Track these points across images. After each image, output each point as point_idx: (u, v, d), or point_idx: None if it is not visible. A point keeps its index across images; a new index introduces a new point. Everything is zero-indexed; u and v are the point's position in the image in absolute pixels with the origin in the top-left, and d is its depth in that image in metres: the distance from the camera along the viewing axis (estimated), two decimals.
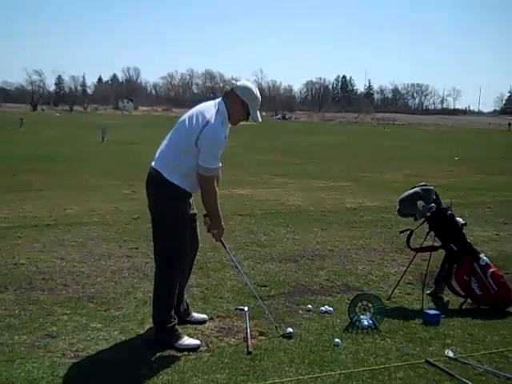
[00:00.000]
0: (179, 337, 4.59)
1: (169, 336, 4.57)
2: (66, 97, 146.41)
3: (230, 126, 4.70)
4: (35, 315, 5.12)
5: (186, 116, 4.61)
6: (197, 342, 4.61)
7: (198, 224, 4.89)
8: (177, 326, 4.65)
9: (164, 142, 4.68)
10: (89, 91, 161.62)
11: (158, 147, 4.75)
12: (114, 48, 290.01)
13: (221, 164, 4.59)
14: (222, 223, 4.76)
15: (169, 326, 4.59)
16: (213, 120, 4.43)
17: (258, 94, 4.68)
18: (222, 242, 4.89)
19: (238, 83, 4.69)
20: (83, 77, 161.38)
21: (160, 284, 4.65)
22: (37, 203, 11.08)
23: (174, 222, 4.57)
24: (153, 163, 4.65)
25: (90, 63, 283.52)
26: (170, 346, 4.53)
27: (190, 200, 4.73)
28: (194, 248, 4.91)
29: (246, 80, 4.86)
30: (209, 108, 4.56)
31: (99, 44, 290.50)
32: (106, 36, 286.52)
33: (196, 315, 5.13)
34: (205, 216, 4.73)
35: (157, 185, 4.59)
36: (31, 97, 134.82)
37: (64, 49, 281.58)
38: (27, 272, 6.42)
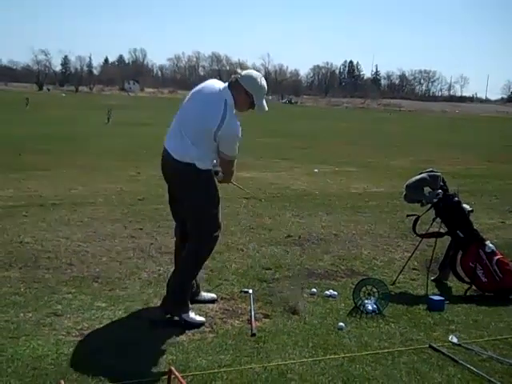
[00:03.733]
0: (189, 309, 4.68)
1: (181, 306, 4.65)
2: (71, 77, 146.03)
3: None
4: (40, 293, 5.14)
5: (195, 104, 4.61)
6: (202, 319, 4.69)
7: None
8: (189, 301, 4.75)
9: (178, 132, 4.63)
10: (95, 72, 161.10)
11: (167, 130, 4.76)
12: (121, 29, 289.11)
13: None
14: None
15: (186, 297, 4.70)
16: (227, 116, 4.45)
17: (264, 83, 4.64)
18: (233, 183, 5.06)
19: (243, 73, 4.62)
20: (89, 57, 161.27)
21: (195, 257, 4.74)
22: (42, 183, 11.08)
23: (213, 204, 4.71)
24: (175, 156, 4.58)
25: (96, 44, 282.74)
26: (178, 316, 4.63)
27: None
28: None
29: (251, 69, 4.81)
30: (217, 99, 4.51)
31: (106, 24, 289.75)
32: (113, 17, 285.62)
33: (205, 294, 5.17)
34: (216, 173, 4.74)
35: (191, 176, 4.59)
36: (37, 77, 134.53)
37: (71, 29, 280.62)
38: (32, 251, 6.44)
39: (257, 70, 4.90)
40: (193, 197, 4.64)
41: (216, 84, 4.68)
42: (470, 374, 3.99)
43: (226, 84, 4.63)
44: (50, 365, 3.85)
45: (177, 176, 4.66)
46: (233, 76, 4.65)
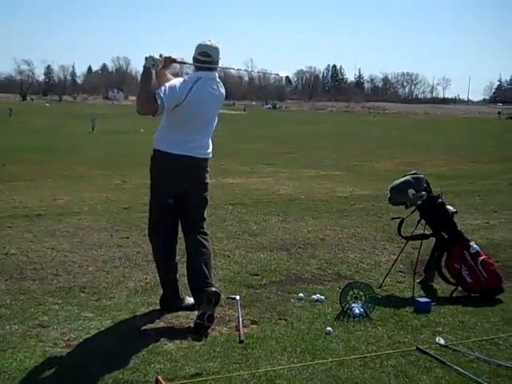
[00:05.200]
0: None
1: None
2: (55, 87, 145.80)
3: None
4: (26, 305, 5.10)
5: (213, 110, 5.02)
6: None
7: None
8: None
9: (198, 133, 4.92)
10: (78, 81, 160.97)
11: (170, 138, 4.88)
12: (104, 37, 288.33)
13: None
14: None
15: None
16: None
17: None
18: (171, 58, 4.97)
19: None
20: (73, 66, 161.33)
21: (210, 252, 5.02)
22: (27, 193, 11.02)
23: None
24: (200, 155, 4.92)
25: (79, 53, 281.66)
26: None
27: None
28: None
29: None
30: (219, 87, 5.00)
31: (89, 33, 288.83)
32: (96, 25, 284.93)
33: (189, 299, 5.14)
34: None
35: (207, 167, 5.04)
36: (20, 87, 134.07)
37: (53, 38, 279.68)
38: (18, 262, 6.39)
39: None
40: (207, 186, 5.06)
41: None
42: (458, 375, 4.00)
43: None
44: (37, 377, 3.82)
45: (201, 174, 4.99)
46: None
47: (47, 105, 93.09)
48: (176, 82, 4.78)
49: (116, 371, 3.90)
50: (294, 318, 4.99)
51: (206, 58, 4.86)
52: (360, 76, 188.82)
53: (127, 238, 7.64)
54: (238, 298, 5.30)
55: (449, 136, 37.58)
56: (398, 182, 6.17)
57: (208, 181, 5.07)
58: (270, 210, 9.99)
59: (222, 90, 5.04)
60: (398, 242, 7.37)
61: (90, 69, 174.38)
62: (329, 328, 4.71)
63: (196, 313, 4.73)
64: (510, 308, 5.44)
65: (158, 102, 4.56)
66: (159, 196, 5.00)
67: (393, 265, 6.29)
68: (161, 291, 5.18)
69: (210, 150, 5.02)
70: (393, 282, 6.15)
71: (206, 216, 5.14)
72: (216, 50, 4.91)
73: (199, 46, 4.91)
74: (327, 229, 8.58)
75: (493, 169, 18.00)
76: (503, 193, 12.85)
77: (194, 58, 4.92)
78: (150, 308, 5.14)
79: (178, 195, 4.94)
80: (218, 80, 5.01)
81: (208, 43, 4.91)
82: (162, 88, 4.63)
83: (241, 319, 4.80)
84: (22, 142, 22.89)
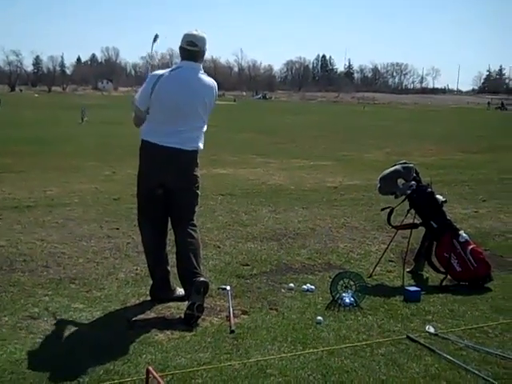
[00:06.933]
0: None
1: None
2: (44, 77, 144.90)
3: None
4: (16, 297, 5.08)
5: (192, 99, 4.87)
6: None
7: None
8: None
9: (185, 124, 4.89)
10: (68, 72, 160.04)
11: (155, 129, 4.92)
12: (93, 28, 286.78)
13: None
14: None
15: None
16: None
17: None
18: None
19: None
20: (62, 57, 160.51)
21: (199, 243, 5.04)
22: (16, 185, 10.95)
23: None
24: (185, 147, 4.87)
25: (68, 43, 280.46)
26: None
27: None
28: None
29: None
30: (203, 77, 4.95)
31: (78, 24, 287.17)
32: (85, 15, 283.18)
33: (180, 290, 5.14)
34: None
35: (194, 161, 5.00)
36: (9, 77, 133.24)
37: (42, 29, 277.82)
38: (7, 254, 6.37)
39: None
40: (195, 179, 5.02)
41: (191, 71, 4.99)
42: (447, 363, 4.03)
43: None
44: (27, 368, 3.81)
45: (186, 166, 4.95)
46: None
47: (36, 95, 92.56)
48: (148, 78, 4.94)
49: (107, 362, 3.91)
50: (285, 308, 5.00)
51: (192, 47, 4.86)
52: (350, 66, 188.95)
53: (117, 228, 7.62)
54: (228, 288, 5.31)
55: (438, 126, 37.62)
56: (387, 171, 6.18)
57: (197, 173, 5.03)
58: (260, 200, 9.99)
59: (209, 81, 4.98)
60: (387, 232, 7.40)
61: (79, 59, 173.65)
62: (319, 317, 4.73)
63: (186, 303, 4.73)
64: (499, 296, 5.49)
65: (135, 109, 4.90)
66: (143, 184, 5.06)
67: (383, 254, 6.31)
68: (151, 282, 5.18)
69: (195, 143, 4.95)
70: (383, 271, 6.18)
71: (196, 209, 5.13)
72: (202, 39, 4.91)
73: (185, 36, 4.91)
74: (317, 219, 8.60)
75: (482, 159, 18.07)
76: (492, 182, 12.91)
77: (180, 48, 4.92)
78: (141, 299, 5.14)
79: (165, 188, 4.93)
80: (203, 71, 4.97)
81: (194, 33, 4.92)
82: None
83: (231, 309, 4.81)
84: (11, 133, 22.69)
